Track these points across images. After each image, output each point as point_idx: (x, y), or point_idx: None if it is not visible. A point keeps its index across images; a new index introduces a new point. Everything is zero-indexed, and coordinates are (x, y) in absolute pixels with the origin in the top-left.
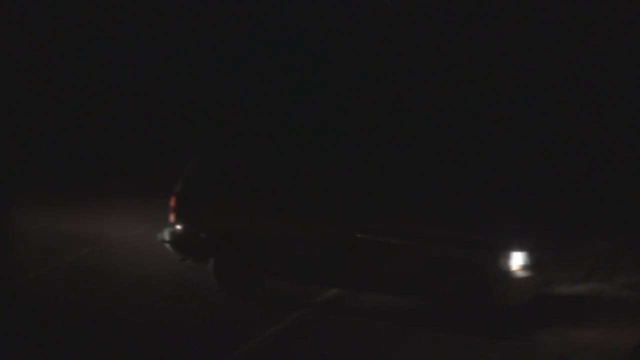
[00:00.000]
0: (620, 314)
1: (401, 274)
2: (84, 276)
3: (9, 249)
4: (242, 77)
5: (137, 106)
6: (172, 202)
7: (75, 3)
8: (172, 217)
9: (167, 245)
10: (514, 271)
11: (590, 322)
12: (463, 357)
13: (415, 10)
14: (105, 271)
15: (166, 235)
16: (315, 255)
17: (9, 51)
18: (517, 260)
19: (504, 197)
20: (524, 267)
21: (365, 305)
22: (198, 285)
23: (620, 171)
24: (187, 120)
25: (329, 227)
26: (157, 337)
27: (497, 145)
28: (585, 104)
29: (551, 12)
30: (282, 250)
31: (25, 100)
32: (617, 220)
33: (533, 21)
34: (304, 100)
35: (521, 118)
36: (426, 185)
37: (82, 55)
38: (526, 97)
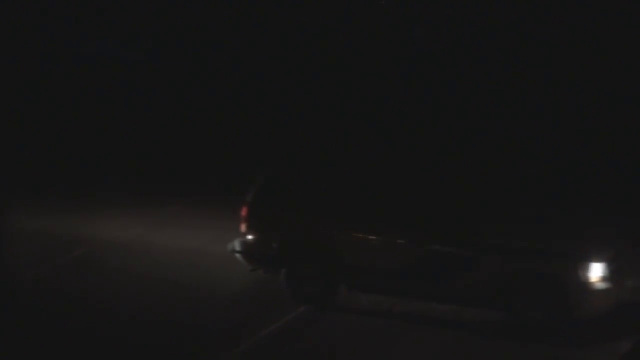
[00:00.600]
0: None
1: (478, 286)
2: (80, 276)
3: (6, 249)
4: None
5: (133, 106)
6: (244, 212)
7: (70, 3)
8: (243, 227)
9: (238, 256)
10: (593, 282)
11: None
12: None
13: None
14: (102, 270)
15: (237, 245)
16: (390, 266)
17: (3, 51)
18: (596, 271)
19: (580, 207)
20: (603, 278)
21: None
22: (195, 285)
23: None
24: (185, 120)
25: (405, 238)
26: (156, 334)
27: (571, 156)
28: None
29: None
30: (356, 261)
31: (21, 100)
32: None
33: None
34: (382, 111)
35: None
36: (504, 196)
37: (78, 54)
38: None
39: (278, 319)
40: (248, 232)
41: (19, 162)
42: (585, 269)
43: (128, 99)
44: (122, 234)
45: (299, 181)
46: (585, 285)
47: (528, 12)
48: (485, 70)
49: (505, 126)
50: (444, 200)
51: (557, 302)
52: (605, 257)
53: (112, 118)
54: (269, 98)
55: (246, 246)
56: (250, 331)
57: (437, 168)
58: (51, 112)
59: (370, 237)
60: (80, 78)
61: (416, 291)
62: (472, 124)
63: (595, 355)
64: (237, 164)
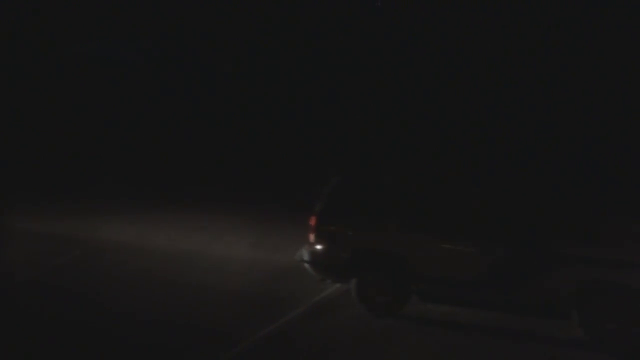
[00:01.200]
0: None
1: (554, 297)
2: (78, 275)
3: (3, 250)
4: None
5: (131, 106)
6: (312, 221)
7: (69, 3)
8: (311, 237)
9: (306, 266)
10: None
11: None
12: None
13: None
14: (99, 271)
15: (305, 255)
16: (463, 276)
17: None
18: None
19: None
20: None
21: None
22: (191, 283)
23: None
24: (184, 123)
25: (479, 247)
26: (156, 333)
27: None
28: None
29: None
30: (428, 270)
31: (20, 100)
32: None
33: None
34: (448, 117)
35: None
36: (582, 206)
37: (77, 55)
38: None
39: (276, 320)
40: (317, 242)
41: (19, 163)
42: None
43: (127, 100)
44: (118, 236)
45: (369, 190)
46: None
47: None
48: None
49: (575, 132)
50: (519, 209)
51: (635, 314)
52: None
53: (111, 118)
54: (297, 101)
55: (315, 256)
56: (244, 333)
57: (512, 176)
58: (50, 113)
59: (443, 246)
60: (79, 79)
61: (490, 302)
62: (542, 131)
63: (593, 355)
64: (237, 165)
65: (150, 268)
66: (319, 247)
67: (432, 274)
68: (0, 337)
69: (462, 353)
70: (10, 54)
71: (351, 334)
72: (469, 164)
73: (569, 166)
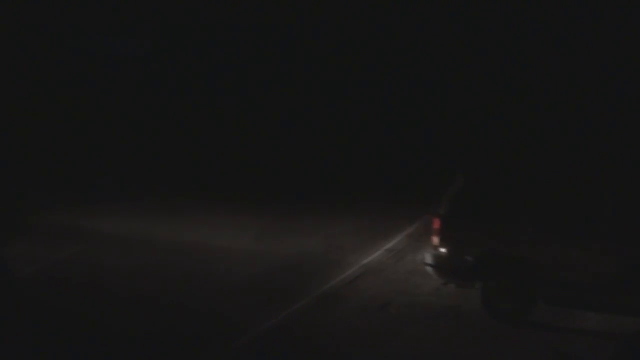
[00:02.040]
0: None
1: None
2: (80, 269)
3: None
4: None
5: (130, 103)
6: (436, 224)
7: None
8: (435, 240)
9: (429, 269)
10: None
11: None
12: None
13: None
14: (101, 265)
15: (428, 258)
16: (594, 280)
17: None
18: None
19: None
20: None
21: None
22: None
23: None
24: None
25: (612, 253)
26: (166, 322)
27: None
28: None
29: None
30: (557, 275)
31: (24, 96)
32: None
33: None
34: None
35: None
36: None
37: (79, 50)
38: None
39: (278, 312)
40: (441, 245)
41: (25, 159)
42: None
43: (131, 95)
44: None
45: (496, 192)
46: None
47: None
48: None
49: None
50: None
51: None
52: None
53: (115, 114)
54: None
55: (438, 259)
56: (251, 323)
57: None
58: (55, 109)
59: (573, 249)
60: (82, 74)
61: (625, 306)
62: None
63: (597, 348)
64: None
65: (161, 260)
66: (442, 250)
67: (563, 278)
68: (3, 331)
69: (465, 344)
70: (11, 50)
71: (354, 326)
72: (606, 164)
73: None
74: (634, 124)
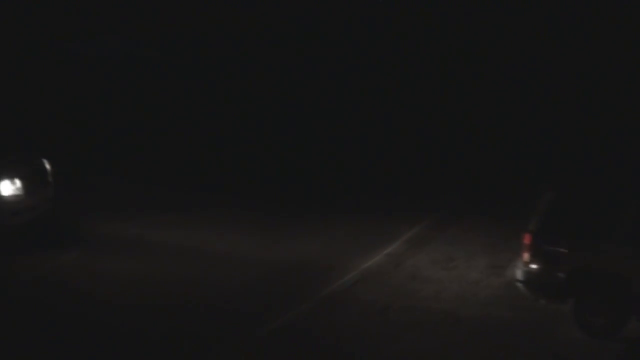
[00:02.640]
0: None
1: None
2: (82, 270)
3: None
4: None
5: (130, 102)
6: (527, 240)
7: (65, 3)
8: (526, 256)
9: (520, 285)
10: None
11: None
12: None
13: None
14: (102, 269)
15: (519, 274)
16: None
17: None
18: None
19: None
20: None
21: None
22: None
23: None
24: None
25: None
26: (178, 321)
27: None
28: None
29: None
30: None
31: (20, 96)
32: None
33: None
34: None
35: None
36: None
37: (85, 53)
38: None
39: (281, 314)
40: (531, 262)
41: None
42: None
43: (131, 95)
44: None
45: (589, 207)
46: None
47: None
48: None
49: None
50: None
51: None
52: None
53: (115, 114)
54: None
55: (529, 276)
56: (257, 323)
57: None
58: (55, 109)
59: None
60: (82, 74)
61: None
62: None
63: (595, 352)
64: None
65: (161, 265)
66: (533, 266)
67: None
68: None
69: (465, 348)
70: (11, 52)
71: (354, 330)
72: None
73: None
74: None
